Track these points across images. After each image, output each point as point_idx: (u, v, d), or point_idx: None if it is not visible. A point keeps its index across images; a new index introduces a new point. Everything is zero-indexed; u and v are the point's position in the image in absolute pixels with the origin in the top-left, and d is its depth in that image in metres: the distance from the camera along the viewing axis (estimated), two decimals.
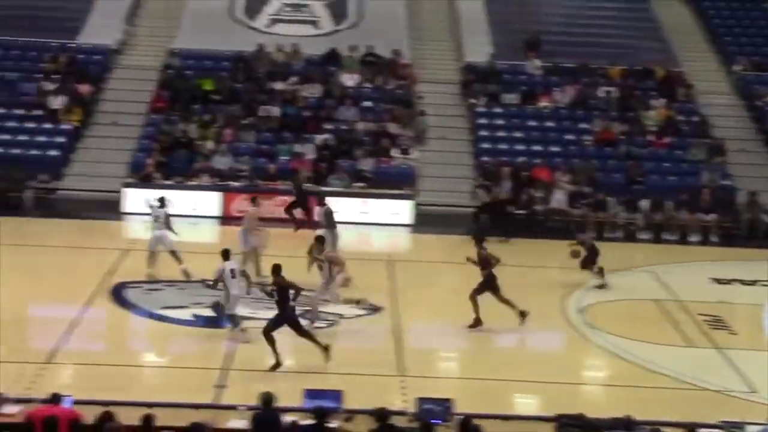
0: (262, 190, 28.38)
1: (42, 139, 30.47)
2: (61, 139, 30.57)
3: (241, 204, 27.40)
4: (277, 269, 17.72)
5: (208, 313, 19.77)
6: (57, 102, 31.48)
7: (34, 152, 29.83)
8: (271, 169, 29.55)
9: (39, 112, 31.33)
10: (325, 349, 17.53)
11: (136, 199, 27.50)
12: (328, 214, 22.87)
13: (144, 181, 28.56)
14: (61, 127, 30.97)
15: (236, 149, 30.42)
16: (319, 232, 22.02)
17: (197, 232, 26.57)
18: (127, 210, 27.16)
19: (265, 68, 33.86)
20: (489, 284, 19.93)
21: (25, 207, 27.85)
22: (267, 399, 13.79)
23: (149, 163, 29.15)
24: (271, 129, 31.49)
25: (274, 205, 27.61)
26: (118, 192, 28.03)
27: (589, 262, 23.15)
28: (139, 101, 32.36)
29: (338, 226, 23.05)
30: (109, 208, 27.44)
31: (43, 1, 36.68)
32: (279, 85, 33.10)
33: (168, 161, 29.53)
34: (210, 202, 28.47)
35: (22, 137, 30.39)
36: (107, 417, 13.28)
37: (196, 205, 28.11)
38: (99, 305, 20.63)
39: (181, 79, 33.07)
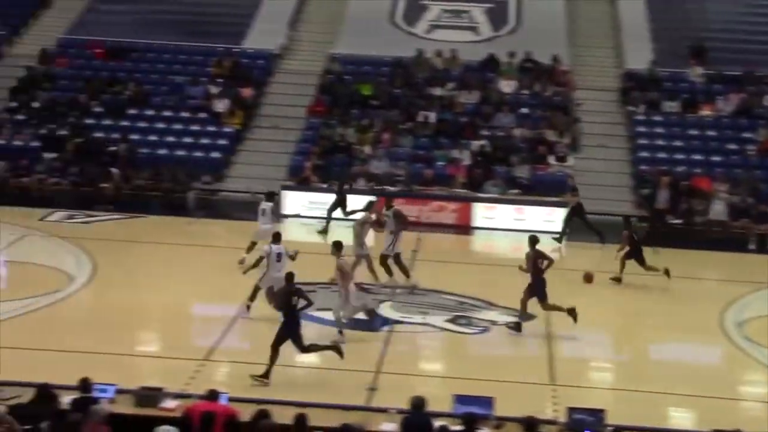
0: (418, 195, 28.60)
1: (206, 141, 31.26)
2: (223, 142, 31.32)
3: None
4: (289, 277, 17.51)
5: (360, 315, 19.99)
6: (221, 105, 32.28)
7: (198, 154, 30.62)
8: (427, 174, 29.69)
9: (204, 115, 32.19)
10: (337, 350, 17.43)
11: (294, 202, 28.01)
12: (397, 216, 22.75)
13: (302, 184, 29.03)
14: (224, 129, 31.74)
15: (393, 154, 30.66)
16: (385, 234, 22.11)
17: (348, 234, 26.79)
18: (285, 212, 27.62)
19: (424, 74, 34.04)
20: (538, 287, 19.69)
21: (188, 207, 28.62)
22: (418, 403, 13.88)
23: (307, 166, 29.60)
24: (428, 134, 31.63)
25: (430, 211, 27.77)
26: (278, 194, 28.49)
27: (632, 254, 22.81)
28: (299, 105, 32.91)
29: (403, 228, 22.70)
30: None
31: (210, 7, 37.67)
32: (437, 91, 33.23)
33: (326, 165, 29.95)
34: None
35: (187, 139, 31.24)
36: (263, 415, 13.57)
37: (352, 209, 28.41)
38: (255, 304, 21.01)
39: (340, 84, 33.53)
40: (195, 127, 31.78)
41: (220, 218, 27.10)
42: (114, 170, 29.10)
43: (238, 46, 35.52)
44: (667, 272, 22.69)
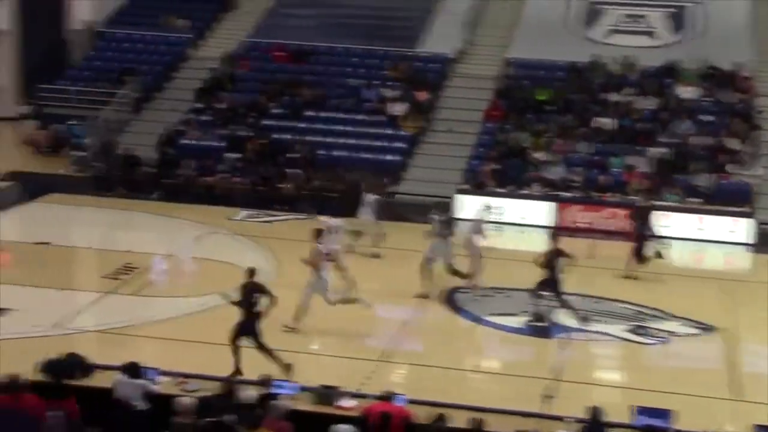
0: (593, 202, 28.31)
1: (382, 144, 31.59)
2: (400, 145, 31.59)
3: (572, 215, 27.36)
4: (251, 272, 16.98)
5: (536, 322, 19.92)
6: (397, 108, 32.57)
7: (374, 156, 30.97)
8: (602, 180, 29.33)
9: (380, 118, 32.55)
10: (287, 367, 16.57)
11: (469, 206, 28.04)
12: (443, 222, 22.25)
13: (478, 188, 29.04)
14: (400, 133, 32.02)
15: (569, 160, 30.40)
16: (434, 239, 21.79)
17: (524, 240, 26.74)
18: (461, 216, 27.69)
19: (600, 79, 33.65)
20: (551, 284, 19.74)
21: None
22: (596, 412, 13.75)
23: (483, 170, 29.61)
24: (604, 140, 31.25)
25: (604, 218, 27.45)
26: (452, 198, 28.62)
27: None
28: (475, 109, 32.94)
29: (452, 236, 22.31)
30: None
31: (386, 11, 38.06)
32: (613, 97, 32.81)
33: (501, 169, 29.89)
34: (540, 211, 28.58)
35: (363, 142, 31.62)
36: (440, 417, 13.67)
37: (526, 214, 28.33)
38: (431, 307, 21.18)
39: (516, 88, 33.43)
40: (371, 130, 32.14)
41: (395, 220, 27.28)
42: (295, 171, 29.66)
43: (413, 50, 35.78)
44: None
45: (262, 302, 16.62)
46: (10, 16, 37.55)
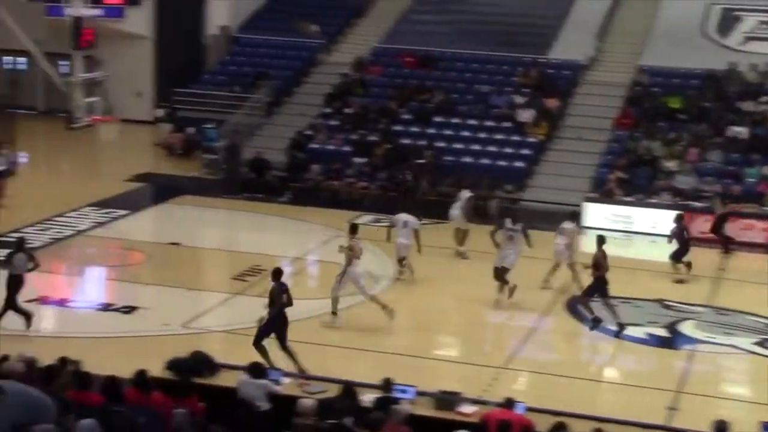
0: (730, 213, 27.66)
1: (509, 150, 31.48)
2: (527, 152, 31.43)
3: (702, 225, 26.83)
4: (277, 273, 17.24)
5: (662, 332, 19.60)
6: (525, 115, 32.42)
7: (501, 163, 30.86)
8: (735, 190, 28.69)
9: (508, 125, 32.45)
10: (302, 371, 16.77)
11: (596, 214, 27.76)
12: (513, 230, 21.85)
13: (605, 196, 28.70)
14: (527, 139, 31.86)
15: (700, 169, 29.82)
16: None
17: (652, 249, 26.32)
18: (588, 224, 27.42)
19: (736, 87, 32.95)
20: (599, 287, 19.65)
21: (490, 216, 28.84)
22: (721, 427, 13.47)
23: (611, 178, 29.26)
24: (739, 150, 30.57)
25: (738, 229, 26.85)
26: (579, 206, 28.34)
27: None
28: (605, 117, 32.56)
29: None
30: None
31: (519, 17, 37.93)
32: (749, 106, 32.08)
33: (630, 178, 29.49)
34: (670, 221, 28.03)
35: (491, 148, 31.55)
36: (560, 427, 13.55)
37: (656, 223, 27.84)
38: (555, 316, 21.04)
39: (647, 96, 32.96)
40: (499, 137, 32.07)
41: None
42: (418, 176, 29.74)
43: (544, 56, 35.58)
44: None
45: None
46: (150, 23, 38.54)
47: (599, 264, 19.86)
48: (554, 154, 31.76)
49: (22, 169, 31.03)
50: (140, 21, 38.35)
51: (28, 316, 18.56)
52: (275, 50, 38.01)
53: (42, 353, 14.70)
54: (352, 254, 19.56)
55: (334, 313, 19.61)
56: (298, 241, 25.56)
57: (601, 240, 20.30)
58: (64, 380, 12.90)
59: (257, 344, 16.92)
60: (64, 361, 13.77)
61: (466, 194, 25.09)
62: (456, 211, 24.89)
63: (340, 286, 19.62)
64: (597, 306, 19.97)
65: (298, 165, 30.94)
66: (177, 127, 35.30)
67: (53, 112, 37.96)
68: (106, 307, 20.19)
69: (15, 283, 18.59)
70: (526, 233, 22.05)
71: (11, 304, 18.54)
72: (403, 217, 22.65)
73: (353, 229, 20.21)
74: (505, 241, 21.67)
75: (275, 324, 16.96)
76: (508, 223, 21.97)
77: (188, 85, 36.12)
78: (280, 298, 16.90)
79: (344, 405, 13.92)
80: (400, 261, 22.65)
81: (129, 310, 20.17)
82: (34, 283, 19.74)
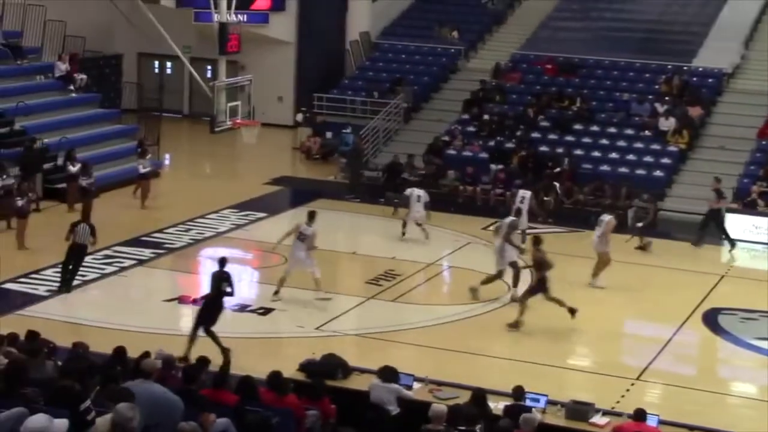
0: None
1: (649, 159, 31.03)
2: (666, 161, 30.93)
3: None
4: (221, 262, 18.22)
5: None
6: (667, 124, 31.90)
7: (640, 172, 30.43)
8: None
9: (648, 133, 31.98)
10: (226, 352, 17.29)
11: (738, 225, 27.15)
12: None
13: (747, 207, 28.06)
14: (668, 148, 31.35)
15: None
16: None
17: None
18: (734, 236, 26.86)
19: None
20: (541, 288, 19.73)
21: (627, 224, 28.46)
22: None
23: (754, 189, 28.59)
24: None
25: None
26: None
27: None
28: (749, 126, 31.82)
29: None
30: (709, 232, 27.23)
31: (663, 24, 37.40)
32: None
33: None
34: None
35: (630, 157, 31.14)
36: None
37: None
38: (692, 328, 20.68)
39: None
40: (639, 145, 31.63)
41: (658, 237, 26.77)
42: (556, 184, 29.52)
43: (688, 64, 34.96)
44: None
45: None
46: (293, 29, 39.13)
47: (542, 263, 19.87)
48: (695, 163, 31.18)
49: (165, 171, 31.90)
50: (284, 27, 38.96)
51: None
52: (414, 56, 38.20)
53: (180, 351, 15.12)
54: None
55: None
56: (432, 247, 25.63)
57: (537, 240, 20.33)
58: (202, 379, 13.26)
59: (206, 331, 17.59)
60: (203, 361, 14.13)
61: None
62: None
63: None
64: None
65: (434, 171, 30.95)
66: (315, 131, 35.79)
67: (198, 115, 38.88)
68: (243, 308, 20.59)
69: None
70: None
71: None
72: (417, 191, 25.66)
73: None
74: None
75: (213, 309, 17.69)
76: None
77: (328, 90, 36.58)
78: (218, 285, 17.71)
79: (474, 412, 13.92)
80: (409, 224, 25.55)
81: (265, 311, 20.54)
82: (176, 283, 20.30)
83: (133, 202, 27.91)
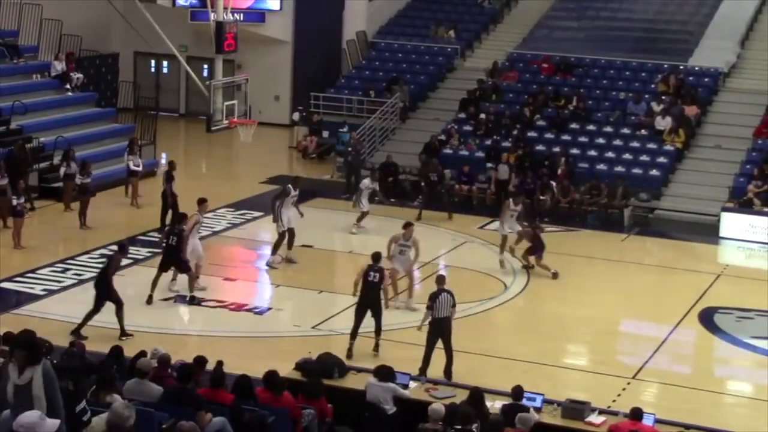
0: None
1: (645, 158, 31.03)
2: (663, 160, 30.95)
3: None
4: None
5: None
6: (663, 123, 31.91)
7: (636, 171, 30.44)
8: None
9: (644, 132, 31.99)
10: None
11: (734, 224, 27.18)
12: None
13: (744, 206, 28.09)
14: (664, 147, 31.35)
15: None
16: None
17: None
18: (725, 234, 26.90)
19: None
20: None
21: (624, 223, 28.54)
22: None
23: (750, 188, 28.62)
24: None
25: None
26: (717, 216, 27.82)
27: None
28: (745, 125, 31.85)
29: None
30: (706, 231, 27.31)
31: (659, 24, 37.41)
32: None
33: None
34: None
35: (626, 156, 31.14)
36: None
37: None
38: (687, 327, 20.70)
39: None
40: (635, 144, 31.64)
41: (654, 236, 26.80)
42: (552, 183, 29.55)
43: (684, 64, 34.97)
44: None
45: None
46: (289, 28, 39.10)
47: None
48: (691, 162, 31.22)
49: (161, 170, 31.85)
50: (280, 26, 38.93)
51: None
52: (411, 55, 38.20)
53: (176, 351, 15.11)
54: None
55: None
56: (429, 246, 25.58)
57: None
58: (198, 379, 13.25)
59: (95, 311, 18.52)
60: (199, 360, 14.12)
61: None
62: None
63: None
64: None
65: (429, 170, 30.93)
66: (312, 130, 35.77)
67: (194, 114, 38.86)
68: (240, 307, 20.58)
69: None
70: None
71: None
72: (366, 182, 26.60)
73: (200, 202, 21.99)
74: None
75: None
76: None
77: (325, 89, 36.56)
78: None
79: (469, 411, 13.92)
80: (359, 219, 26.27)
81: (261, 310, 20.53)
82: (172, 282, 20.28)
83: (128, 201, 27.90)
